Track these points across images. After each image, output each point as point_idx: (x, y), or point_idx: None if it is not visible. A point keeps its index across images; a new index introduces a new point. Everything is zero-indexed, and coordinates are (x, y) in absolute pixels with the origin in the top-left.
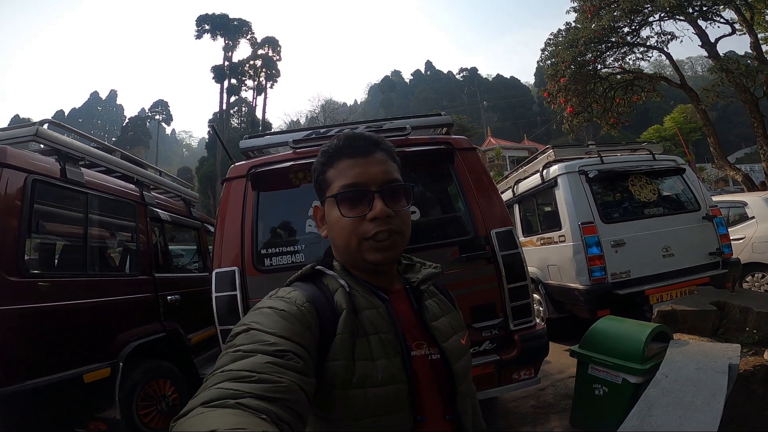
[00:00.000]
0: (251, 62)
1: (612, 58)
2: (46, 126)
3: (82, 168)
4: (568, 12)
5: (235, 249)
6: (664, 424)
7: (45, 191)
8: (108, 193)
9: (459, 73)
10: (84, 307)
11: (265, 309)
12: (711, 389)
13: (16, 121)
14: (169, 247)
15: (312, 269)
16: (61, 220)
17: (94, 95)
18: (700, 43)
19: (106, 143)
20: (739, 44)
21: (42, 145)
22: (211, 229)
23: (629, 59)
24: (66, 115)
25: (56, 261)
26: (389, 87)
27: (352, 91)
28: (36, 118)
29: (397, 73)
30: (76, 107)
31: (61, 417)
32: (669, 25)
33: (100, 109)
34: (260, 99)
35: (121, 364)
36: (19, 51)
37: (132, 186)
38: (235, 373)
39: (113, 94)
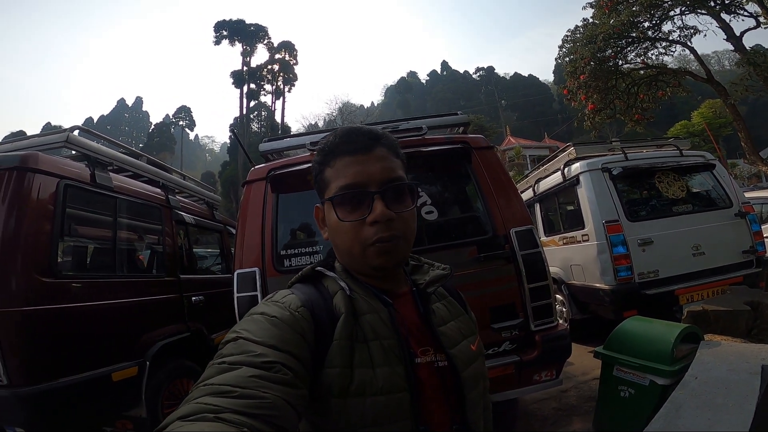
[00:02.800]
0: (269, 66)
1: (633, 54)
2: (76, 133)
3: (110, 173)
4: (584, 8)
5: (256, 250)
6: (692, 427)
7: (76, 195)
8: (135, 197)
9: (475, 73)
10: (113, 308)
11: (256, 315)
12: (743, 391)
13: (48, 128)
14: (193, 249)
15: (312, 270)
16: (91, 223)
17: (121, 102)
18: (725, 37)
19: (132, 149)
20: (767, 37)
21: (72, 151)
22: (233, 231)
23: (652, 54)
24: (95, 122)
25: (87, 263)
26: (405, 88)
27: (368, 93)
28: (67, 126)
29: (413, 74)
30: (104, 114)
31: (90, 415)
32: (691, 19)
33: (127, 115)
34: (279, 103)
35: (147, 363)
36: (51, 61)
37: (158, 190)
38: (216, 387)
39: (139, 101)
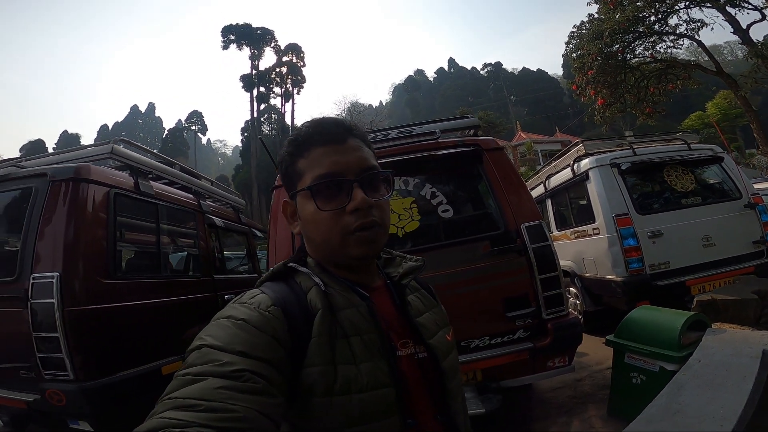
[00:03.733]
0: (277, 69)
1: (641, 48)
2: (119, 144)
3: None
4: (589, 4)
5: (286, 250)
6: (691, 404)
7: (123, 203)
8: (173, 203)
9: (483, 69)
10: (160, 306)
11: (222, 320)
12: (742, 373)
13: (65, 137)
14: (223, 251)
15: (284, 267)
16: (137, 228)
17: (134, 108)
18: (732, 30)
19: (167, 158)
20: None
21: (114, 162)
22: (258, 233)
23: (660, 48)
24: (110, 129)
25: (136, 265)
26: (413, 86)
27: (376, 93)
28: (82, 134)
29: (420, 72)
30: (119, 121)
31: (142, 408)
32: (697, 13)
33: (141, 122)
34: (288, 105)
35: None
36: (66, 70)
37: (191, 195)
38: (181, 401)
39: (152, 107)
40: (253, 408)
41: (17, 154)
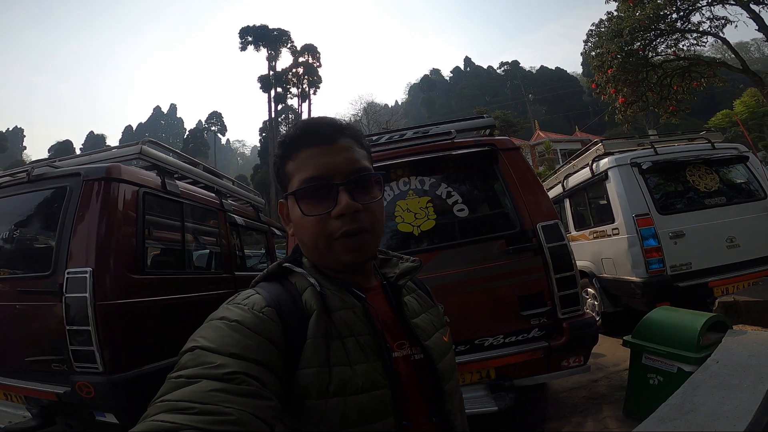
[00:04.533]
0: (294, 70)
1: (664, 45)
2: (147, 145)
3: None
4: (607, 1)
5: None
6: (705, 404)
7: (151, 202)
8: (197, 202)
9: (500, 68)
10: (185, 301)
11: (215, 321)
12: (759, 374)
13: (92, 138)
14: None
15: (279, 267)
16: (164, 225)
17: (157, 110)
18: (756, 27)
19: (191, 158)
20: None
21: (141, 161)
22: (277, 232)
23: (683, 45)
24: (134, 129)
25: (164, 261)
26: (429, 86)
27: (392, 92)
28: (108, 135)
29: (436, 72)
30: (142, 122)
31: None
32: (720, 10)
33: (163, 122)
34: (305, 106)
35: None
36: (90, 72)
37: (213, 194)
38: (174, 404)
39: (173, 108)
40: (247, 411)
41: (46, 155)
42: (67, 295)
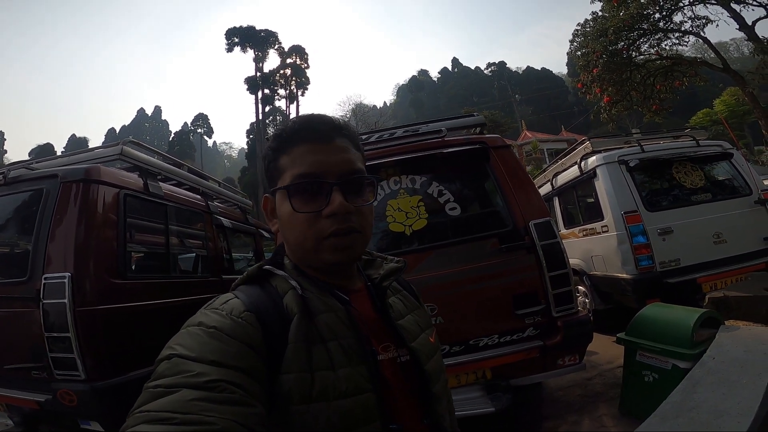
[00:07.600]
0: (281, 71)
1: (647, 45)
2: (128, 146)
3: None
4: (593, 2)
5: None
6: (706, 401)
7: (133, 204)
8: (182, 204)
9: (487, 68)
10: (169, 306)
11: (192, 328)
12: (757, 370)
13: (74, 141)
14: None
15: (259, 269)
16: (147, 229)
17: (141, 112)
18: (738, 27)
19: (175, 159)
20: None
21: (122, 163)
22: (265, 234)
23: (665, 45)
24: (117, 132)
25: (146, 265)
26: (417, 87)
27: (380, 93)
28: (90, 138)
29: (424, 72)
30: (126, 125)
31: None
32: (702, 10)
33: (148, 125)
34: (293, 107)
35: None
36: (72, 74)
37: (198, 197)
38: (154, 414)
39: (158, 110)
40: (230, 419)
41: (27, 158)
42: (44, 302)
